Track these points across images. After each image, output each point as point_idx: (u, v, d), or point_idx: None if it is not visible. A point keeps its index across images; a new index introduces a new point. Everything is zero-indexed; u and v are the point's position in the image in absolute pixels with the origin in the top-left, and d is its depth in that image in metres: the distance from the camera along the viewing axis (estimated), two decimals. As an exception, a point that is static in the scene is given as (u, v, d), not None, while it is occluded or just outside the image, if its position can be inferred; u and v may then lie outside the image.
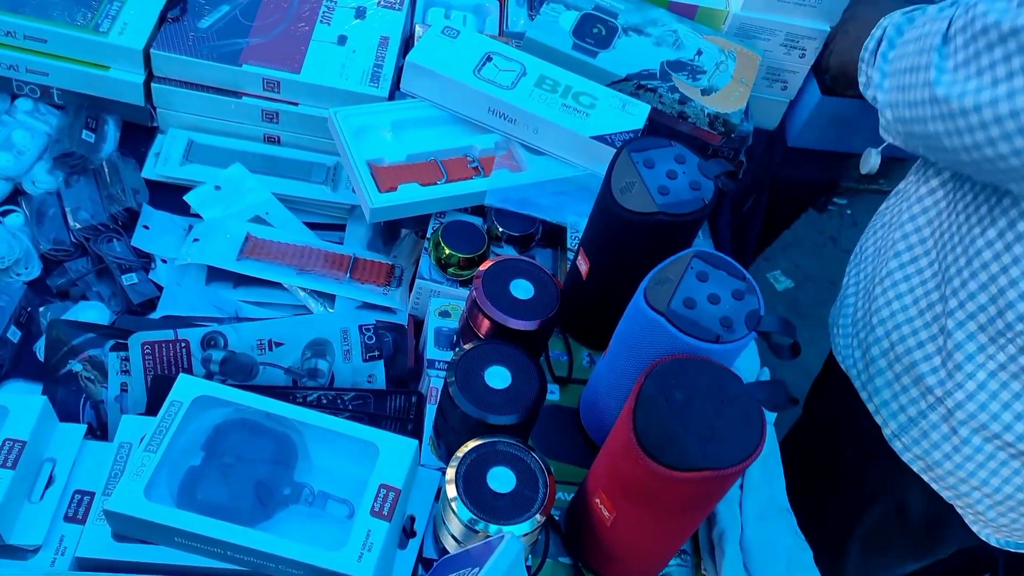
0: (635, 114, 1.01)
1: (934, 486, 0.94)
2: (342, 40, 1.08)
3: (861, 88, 0.94)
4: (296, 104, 1.06)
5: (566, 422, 0.88)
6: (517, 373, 0.77)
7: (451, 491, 0.70)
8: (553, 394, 0.90)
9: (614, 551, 0.75)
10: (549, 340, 0.90)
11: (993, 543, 0.99)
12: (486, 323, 0.81)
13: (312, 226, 1.05)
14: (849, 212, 2.34)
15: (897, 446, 0.95)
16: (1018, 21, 0.68)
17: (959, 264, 0.85)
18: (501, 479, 0.71)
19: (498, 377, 0.76)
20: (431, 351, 0.88)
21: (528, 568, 0.73)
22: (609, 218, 0.81)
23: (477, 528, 0.69)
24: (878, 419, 0.96)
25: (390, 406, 0.87)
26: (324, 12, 1.10)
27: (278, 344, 0.85)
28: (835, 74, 1.09)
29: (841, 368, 1.03)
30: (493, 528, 0.69)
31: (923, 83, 0.77)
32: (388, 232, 1.05)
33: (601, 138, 0.97)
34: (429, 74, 0.99)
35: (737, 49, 1.14)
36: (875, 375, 0.95)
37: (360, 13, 1.11)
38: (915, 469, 0.94)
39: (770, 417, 0.92)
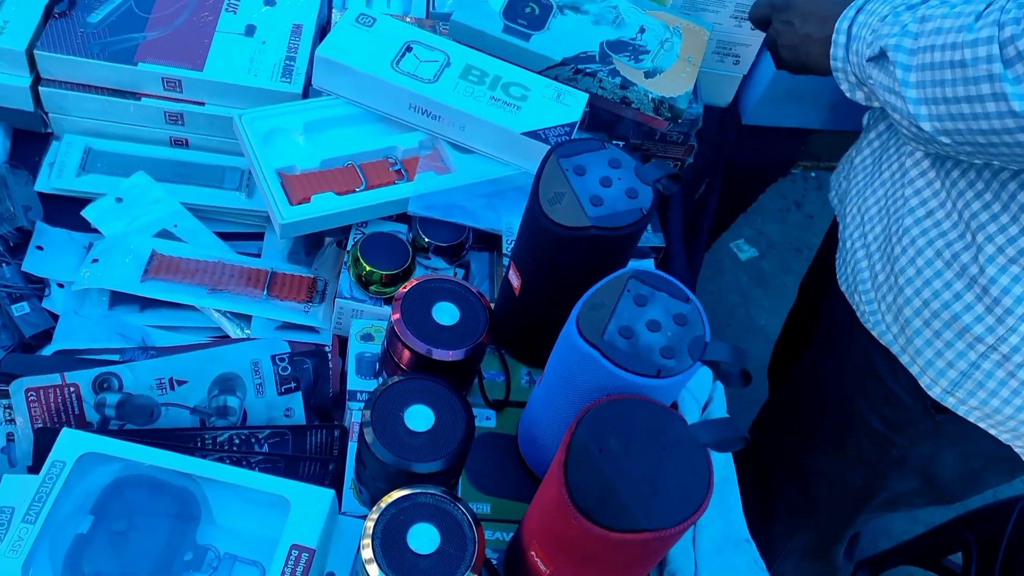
0: (571, 105, 0.93)
1: (992, 432, 0.93)
2: (250, 30, 0.98)
3: (848, 93, 0.89)
4: (202, 104, 0.96)
5: (504, 451, 0.81)
6: (441, 412, 0.69)
7: (367, 554, 0.63)
8: (489, 420, 0.83)
9: (554, 605, 0.68)
10: (481, 363, 0.82)
11: None
12: (407, 354, 0.73)
13: (227, 236, 0.97)
14: (814, 175, 2.27)
15: (951, 402, 0.93)
16: None
17: (993, 210, 0.83)
18: (423, 538, 0.64)
19: (419, 418, 0.69)
20: (353, 380, 0.80)
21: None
22: (539, 232, 0.73)
23: (397, 596, 0.62)
24: (924, 381, 0.94)
25: (311, 443, 0.79)
26: (230, 0, 1.01)
27: (180, 382, 0.77)
28: (793, 67, 0.98)
29: (859, 338, 1.00)
30: (415, 595, 0.62)
31: (999, 113, 0.73)
32: (310, 241, 0.96)
33: (534, 134, 0.89)
34: (342, 69, 0.90)
35: (683, 24, 1.05)
36: (913, 336, 0.93)
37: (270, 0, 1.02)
38: (971, 420, 0.93)
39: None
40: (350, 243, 0.88)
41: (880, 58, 0.82)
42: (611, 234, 0.71)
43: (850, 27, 0.86)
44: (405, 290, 0.74)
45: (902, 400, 1.00)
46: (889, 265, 0.95)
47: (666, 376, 0.63)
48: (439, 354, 0.73)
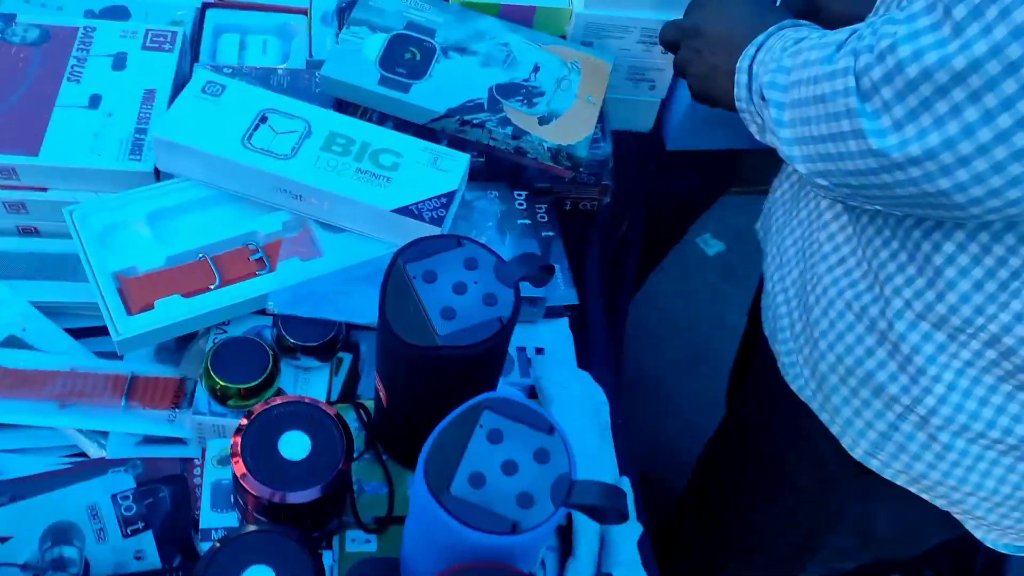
0: (449, 171, 0.83)
1: (925, 497, 0.84)
2: (95, 101, 0.88)
3: (757, 136, 0.79)
4: (45, 189, 0.86)
5: (386, 576, 0.73)
6: (284, 572, 0.60)
7: None
8: (370, 543, 0.74)
9: None
10: (360, 477, 0.73)
11: (1001, 549, 0.88)
12: (252, 500, 0.64)
13: (88, 332, 0.87)
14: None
15: (874, 464, 0.84)
16: (960, 60, 0.56)
17: (900, 260, 0.74)
18: None
19: (258, 583, 0.60)
20: (207, 516, 0.71)
21: None
22: (390, 349, 0.64)
23: None
24: (845, 441, 0.85)
25: (165, 588, 0.71)
26: (72, 67, 0.90)
27: (3, 539, 0.68)
28: (701, 98, 0.88)
29: (784, 388, 0.91)
30: None
31: (860, 152, 0.64)
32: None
33: (405, 210, 0.79)
34: (185, 151, 0.80)
35: (582, 59, 0.95)
36: (831, 393, 0.84)
37: (119, 63, 0.91)
38: (900, 483, 0.84)
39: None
40: (209, 342, 0.79)
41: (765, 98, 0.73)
42: (465, 353, 0.61)
43: (751, 66, 0.76)
44: (245, 424, 0.65)
45: (829, 460, 0.90)
46: (805, 315, 0.85)
47: (523, 531, 0.54)
48: (290, 497, 0.64)
